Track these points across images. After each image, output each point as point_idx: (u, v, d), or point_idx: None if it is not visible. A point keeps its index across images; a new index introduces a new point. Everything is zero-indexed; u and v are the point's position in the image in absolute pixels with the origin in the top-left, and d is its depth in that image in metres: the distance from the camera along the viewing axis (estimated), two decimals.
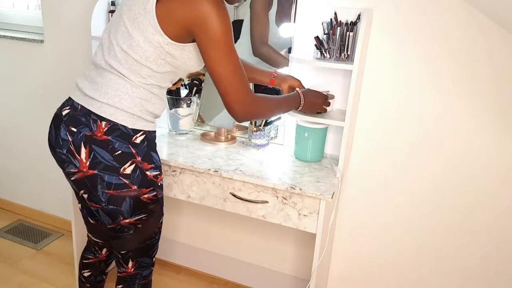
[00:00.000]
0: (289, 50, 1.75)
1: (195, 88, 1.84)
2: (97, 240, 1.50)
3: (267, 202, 1.47)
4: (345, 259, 1.91)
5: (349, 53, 1.54)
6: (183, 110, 1.81)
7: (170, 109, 1.82)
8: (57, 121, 1.25)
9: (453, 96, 1.55)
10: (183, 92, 1.86)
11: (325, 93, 1.59)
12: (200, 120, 1.87)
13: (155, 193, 1.29)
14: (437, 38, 1.51)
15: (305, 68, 1.71)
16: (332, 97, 1.63)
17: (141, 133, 1.24)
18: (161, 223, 1.38)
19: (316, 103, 1.54)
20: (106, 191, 1.21)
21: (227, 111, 1.28)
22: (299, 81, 1.60)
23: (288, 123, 1.79)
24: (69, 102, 1.26)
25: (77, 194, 1.35)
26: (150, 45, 1.16)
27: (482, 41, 1.47)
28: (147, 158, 1.25)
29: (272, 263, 2.06)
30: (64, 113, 1.24)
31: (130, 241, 1.32)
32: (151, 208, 1.30)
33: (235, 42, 1.88)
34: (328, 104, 1.58)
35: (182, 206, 2.18)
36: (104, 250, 1.57)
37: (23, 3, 2.45)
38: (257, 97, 1.31)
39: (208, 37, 1.15)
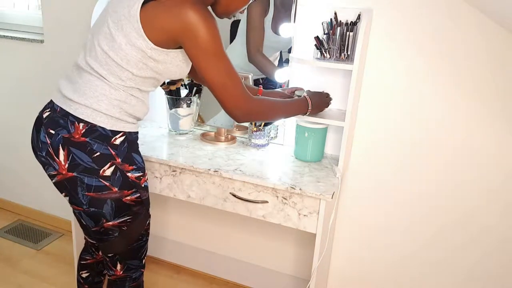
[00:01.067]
0: (289, 50, 1.75)
1: (195, 88, 1.84)
2: (93, 242, 1.50)
3: (267, 202, 1.47)
4: (345, 259, 1.91)
5: (349, 53, 1.54)
6: (183, 110, 1.81)
7: (170, 109, 1.82)
8: (39, 124, 1.24)
9: (453, 96, 1.55)
10: (183, 92, 1.86)
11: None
12: (200, 120, 1.87)
13: (138, 194, 1.27)
14: (437, 38, 1.51)
15: (305, 68, 1.71)
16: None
17: (120, 134, 1.22)
18: (148, 224, 1.37)
19: (322, 103, 1.57)
20: (86, 193, 1.20)
21: (227, 114, 1.29)
22: (283, 93, 1.62)
23: (288, 123, 1.79)
24: (50, 104, 1.25)
25: None
26: (132, 49, 1.15)
27: (482, 40, 1.47)
28: (128, 159, 1.24)
29: (272, 263, 2.06)
30: (44, 115, 1.23)
31: (116, 244, 1.31)
32: (135, 210, 1.28)
33: (231, 41, 1.89)
34: (330, 100, 1.63)
35: (181, 206, 2.18)
36: (101, 252, 1.57)
37: (23, 3, 2.45)
38: (255, 99, 1.31)
39: (197, 46, 1.15)
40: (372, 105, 1.66)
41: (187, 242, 2.23)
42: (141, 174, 1.27)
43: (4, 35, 2.30)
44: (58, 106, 1.21)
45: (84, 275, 1.61)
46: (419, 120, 1.62)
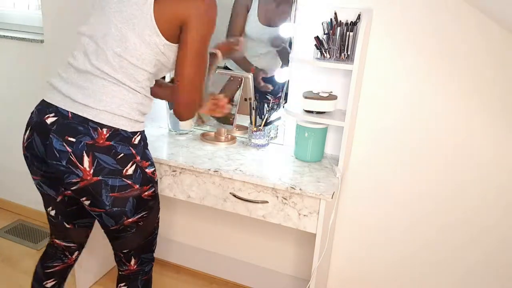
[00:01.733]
0: (290, 46, 1.75)
1: None
2: (70, 245, 1.48)
3: (267, 202, 1.47)
4: (345, 259, 1.91)
5: (349, 53, 1.54)
6: None
7: (170, 109, 1.82)
8: (42, 129, 1.19)
9: (453, 96, 1.55)
10: None
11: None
12: (200, 120, 1.87)
13: (153, 189, 1.31)
14: (437, 38, 1.51)
15: (305, 68, 1.71)
16: (335, 97, 1.63)
17: (138, 134, 1.25)
18: (159, 218, 1.40)
19: (228, 49, 1.63)
20: (110, 194, 1.21)
21: (173, 109, 1.31)
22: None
23: (288, 123, 1.79)
24: (52, 108, 1.19)
25: (48, 200, 1.38)
26: (147, 47, 1.17)
27: (482, 40, 1.47)
28: (144, 156, 1.27)
29: (272, 263, 2.06)
30: (49, 121, 1.18)
31: (132, 239, 1.33)
32: (151, 205, 1.31)
33: None
34: (237, 44, 1.66)
35: (182, 206, 2.18)
36: (76, 254, 1.52)
37: (23, 3, 2.45)
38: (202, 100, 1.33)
39: (192, 34, 1.18)
40: (372, 105, 1.66)
41: (187, 242, 2.23)
42: (154, 169, 1.31)
43: (4, 35, 2.30)
44: (67, 111, 1.17)
45: (49, 285, 1.52)
46: (419, 120, 1.62)
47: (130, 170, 1.22)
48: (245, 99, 1.82)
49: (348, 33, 1.52)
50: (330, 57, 1.56)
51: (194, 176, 1.56)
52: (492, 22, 1.44)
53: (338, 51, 1.55)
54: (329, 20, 1.55)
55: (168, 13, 1.16)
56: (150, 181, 1.28)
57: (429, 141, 1.63)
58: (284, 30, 1.74)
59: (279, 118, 1.80)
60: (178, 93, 1.26)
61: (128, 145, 1.21)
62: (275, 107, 1.77)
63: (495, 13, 1.37)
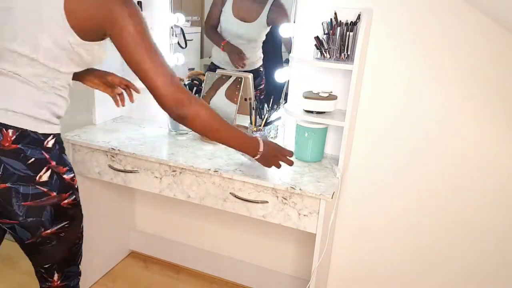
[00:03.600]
0: (289, 50, 1.74)
1: (195, 88, 1.84)
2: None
3: (267, 202, 1.47)
4: (345, 259, 1.91)
5: (349, 53, 1.54)
6: None
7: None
8: None
9: (454, 96, 1.55)
10: None
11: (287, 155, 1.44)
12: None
13: (74, 196, 1.21)
14: (437, 38, 1.51)
15: (305, 68, 1.71)
16: (335, 97, 1.63)
17: (51, 136, 1.16)
18: (82, 227, 1.30)
19: (273, 159, 1.41)
20: (23, 203, 1.11)
21: (160, 104, 1.15)
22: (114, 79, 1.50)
23: (288, 123, 1.79)
24: None
25: None
26: (58, 46, 1.09)
27: (482, 40, 1.47)
28: (61, 161, 1.17)
29: (272, 263, 2.06)
30: None
31: (53, 252, 1.23)
32: (71, 214, 1.22)
33: None
34: (289, 162, 1.43)
35: (182, 206, 2.18)
36: (34, 264, 1.37)
37: None
38: (191, 93, 1.20)
39: (124, 36, 1.08)
40: (372, 105, 1.66)
41: (187, 242, 2.23)
42: (73, 175, 1.22)
43: None
44: None
45: None
46: (419, 120, 1.62)
47: (44, 176, 1.12)
48: (245, 99, 1.82)
49: (348, 33, 1.52)
50: (330, 57, 1.56)
51: (194, 176, 1.56)
52: (492, 22, 1.44)
53: (338, 51, 1.55)
54: (329, 20, 1.55)
55: (82, 14, 1.07)
56: (70, 187, 1.19)
57: (429, 141, 1.63)
58: (284, 30, 1.74)
59: (279, 118, 1.80)
60: (151, 90, 1.13)
61: (39, 149, 1.12)
62: (275, 107, 1.77)
63: (495, 13, 1.37)
